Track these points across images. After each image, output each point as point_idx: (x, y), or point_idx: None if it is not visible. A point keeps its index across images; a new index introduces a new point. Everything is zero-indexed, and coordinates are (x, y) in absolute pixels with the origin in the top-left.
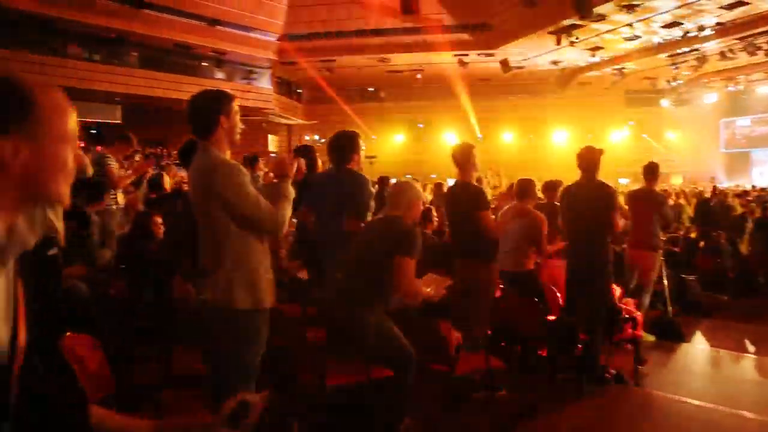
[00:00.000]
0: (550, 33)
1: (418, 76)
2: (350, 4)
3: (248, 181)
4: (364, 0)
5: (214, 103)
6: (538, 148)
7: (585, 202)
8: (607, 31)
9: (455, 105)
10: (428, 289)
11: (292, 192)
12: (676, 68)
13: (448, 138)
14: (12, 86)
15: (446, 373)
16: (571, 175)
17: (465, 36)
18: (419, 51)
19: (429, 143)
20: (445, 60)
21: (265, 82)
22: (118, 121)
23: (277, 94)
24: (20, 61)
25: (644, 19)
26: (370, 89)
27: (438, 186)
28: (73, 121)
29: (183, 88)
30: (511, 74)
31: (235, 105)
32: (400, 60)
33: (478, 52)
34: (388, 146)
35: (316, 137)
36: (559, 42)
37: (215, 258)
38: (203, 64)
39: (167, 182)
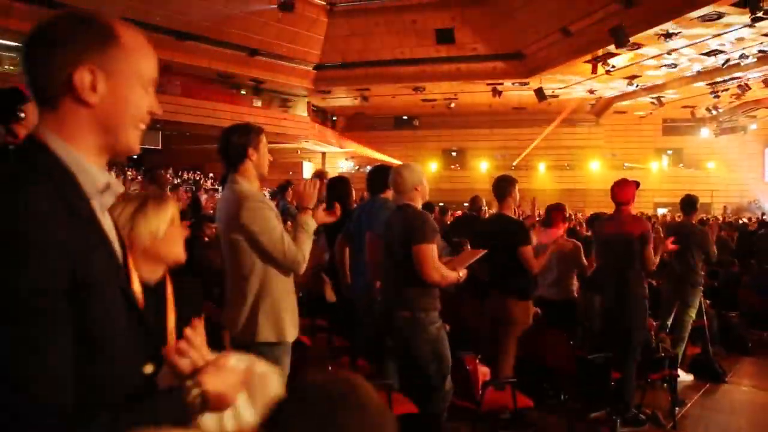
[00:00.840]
0: (586, 62)
1: (452, 105)
2: (385, 35)
3: (273, 216)
4: (400, 30)
5: (243, 137)
6: (574, 177)
7: (617, 236)
8: (644, 60)
9: (489, 133)
10: (455, 273)
11: (312, 224)
12: (717, 96)
13: (482, 166)
14: (95, 19)
15: (472, 410)
16: (610, 206)
17: (500, 65)
18: (454, 80)
19: (462, 171)
20: (479, 89)
21: (301, 110)
22: (158, 147)
23: (312, 121)
24: None
25: (683, 47)
26: (404, 117)
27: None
28: (152, 68)
29: (222, 115)
30: (546, 103)
31: (264, 138)
32: (435, 89)
33: (513, 81)
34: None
35: (350, 164)
36: (594, 71)
37: (239, 289)
38: (242, 92)
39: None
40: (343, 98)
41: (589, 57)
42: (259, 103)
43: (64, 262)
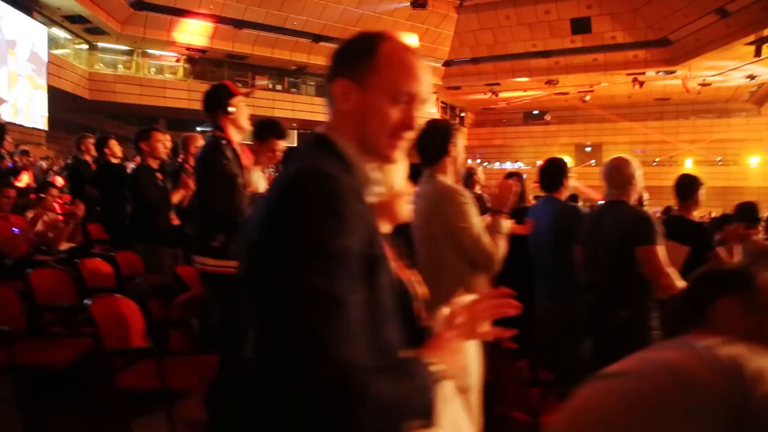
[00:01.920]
0: (748, 44)
1: (587, 98)
2: (516, 27)
3: (474, 212)
4: (532, 22)
5: (444, 133)
6: (728, 174)
7: None
8: None
9: (628, 127)
10: (681, 282)
11: (506, 227)
12: None
13: None
14: (364, 36)
15: None
16: None
17: (641, 53)
18: (590, 72)
19: (598, 167)
20: (617, 80)
21: (429, 106)
22: (294, 145)
23: (442, 117)
24: None
25: None
26: (535, 112)
27: None
28: (409, 82)
29: None
30: (695, 92)
31: (462, 136)
32: (569, 81)
33: (657, 70)
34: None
35: (479, 161)
36: (758, 53)
37: (433, 284)
38: None
39: None
40: (472, 94)
41: (752, 38)
42: None
43: (364, 231)
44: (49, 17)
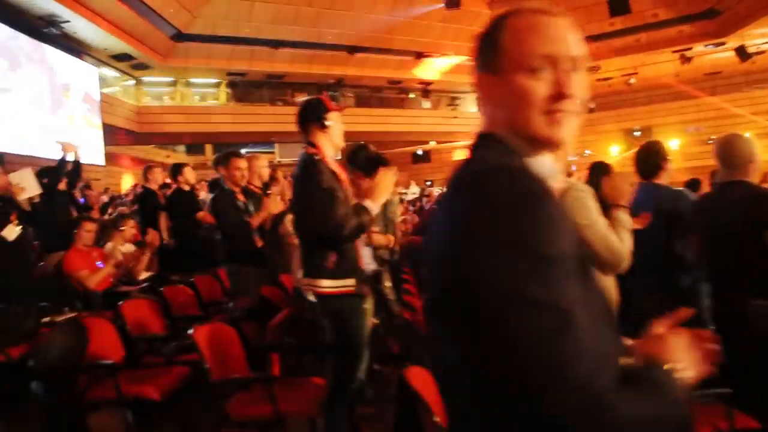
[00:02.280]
0: None
1: (631, 80)
2: None
3: (595, 207)
4: (566, 9)
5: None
6: None
7: None
8: None
9: (678, 106)
10: None
11: (627, 220)
12: None
13: (673, 143)
14: (486, 26)
15: None
16: None
17: (686, 28)
18: (633, 53)
19: None
20: (662, 59)
21: (469, 106)
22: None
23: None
24: (261, 114)
25: None
26: None
27: None
28: (543, 45)
29: (393, 121)
30: (749, 62)
31: None
32: (611, 66)
33: (705, 43)
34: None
35: None
36: None
37: None
38: (410, 96)
39: None
40: None
41: None
42: (428, 105)
43: (572, 228)
44: (96, 58)
